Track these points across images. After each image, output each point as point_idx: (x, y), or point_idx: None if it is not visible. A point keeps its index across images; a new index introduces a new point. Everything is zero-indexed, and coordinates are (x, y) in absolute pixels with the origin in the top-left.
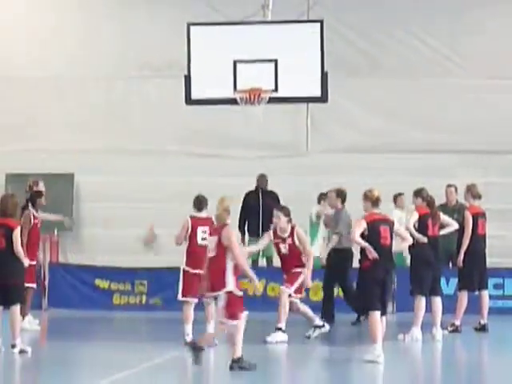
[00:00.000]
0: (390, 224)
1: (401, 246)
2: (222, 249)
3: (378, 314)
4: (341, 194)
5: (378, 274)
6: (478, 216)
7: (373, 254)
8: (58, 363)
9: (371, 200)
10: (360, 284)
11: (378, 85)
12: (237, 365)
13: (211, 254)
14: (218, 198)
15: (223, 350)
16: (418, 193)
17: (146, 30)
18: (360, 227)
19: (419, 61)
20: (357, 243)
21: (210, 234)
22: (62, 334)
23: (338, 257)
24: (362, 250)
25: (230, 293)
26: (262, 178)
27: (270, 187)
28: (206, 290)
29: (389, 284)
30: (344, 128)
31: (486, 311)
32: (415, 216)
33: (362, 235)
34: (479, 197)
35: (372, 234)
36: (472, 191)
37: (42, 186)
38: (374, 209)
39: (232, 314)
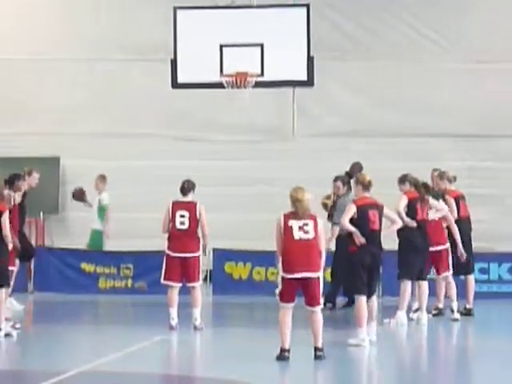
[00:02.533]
0: (380, 208)
1: (390, 228)
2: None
3: (364, 298)
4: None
5: (365, 259)
6: (459, 198)
7: (360, 239)
8: (43, 347)
9: (362, 184)
10: (347, 268)
11: (364, 69)
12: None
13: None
14: (296, 189)
15: (209, 334)
16: (404, 178)
17: (133, 13)
18: (350, 212)
19: (406, 44)
20: (345, 229)
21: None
22: (48, 317)
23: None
24: (350, 235)
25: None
26: (355, 166)
27: (253, 172)
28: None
29: (377, 268)
30: (330, 112)
31: (471, 296)
32: (405, 200)
33: (352, 219)
34: (454, 179)
35: (361, 218)
36: (447, 176)
37: (35, 176)
38: (364, 193)
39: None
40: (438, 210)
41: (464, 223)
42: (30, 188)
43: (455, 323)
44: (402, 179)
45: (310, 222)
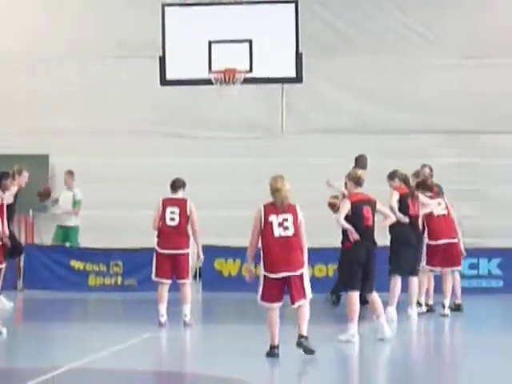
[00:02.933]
0: (373, 204)
1: (383, 223)
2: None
3: (356, 294)
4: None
5: (360, 255)
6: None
7: (354, 235)
8: (32, 344)
9: (354, 180)
10: (341, 264)
11: (352, 65)
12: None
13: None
14: (276, 178)
15: (199, 330)
16: (394, 174)
17: (121, 10)
18: (345, 209)
19: (394, 40)
20: (340, 225)
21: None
22: (37, 314)
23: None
24: (344, 231)
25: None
26: (361, 158)
27: (242, 168)
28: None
29: (372, 263)
30: (319, 109)
31: (459, 291)
32: (396, 195)
33: (346, 216)
34: (431, 176)
35: (355, 214)
36: (423, 174)
37: (25, 175)
38: (357, 189)
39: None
40: (426, 205)
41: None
42: (20, 187)
43: (445, 319)
44: (392, 175)
45: (290, 217)
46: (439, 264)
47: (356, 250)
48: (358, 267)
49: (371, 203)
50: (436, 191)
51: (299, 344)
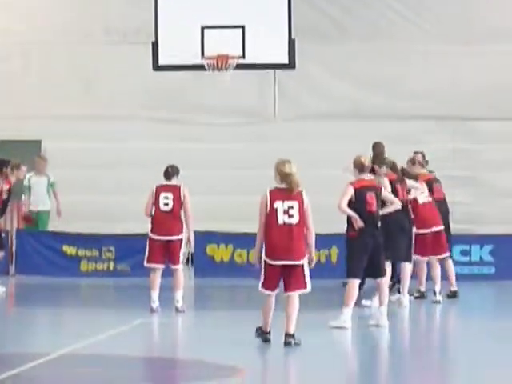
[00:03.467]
0: (377, 190)
1: (388, 209)
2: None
3: (357, 282)
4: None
5: (366, 242)
6: (432, 182)
7: (359, 223)
8: (24, 329)
9: (358, 166)
10: (347, 251)
11: (345, 51)
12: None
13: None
14: (284, 163)
15: (191, 316)
16: (382, 161)
17: None
18: (347, 194)
19: (386, 26)
20: (343, 212)
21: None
22: (29, 300)
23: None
24: (348, 219)
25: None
26: (378, 145)
27: (234, 154)
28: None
29: (379, 248)
30: (311, 94)
31: (453, 278)
32: (387, 182)
33: (350, 201)
34: (426, 163)
35: (359, 200)
36: (418, 161)
37: (23, 169)
38: (361, 175)
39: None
40: (417, 189)
41: (439, 205)
42: (17, 181)
43: (438, 305)
44: (380, 162)
45: (295, 204)
46: (428, 253)
47: (362, 239)
48: (364, 255)
49: (376, 189)
50: (432, 178)
51: (287, 344)
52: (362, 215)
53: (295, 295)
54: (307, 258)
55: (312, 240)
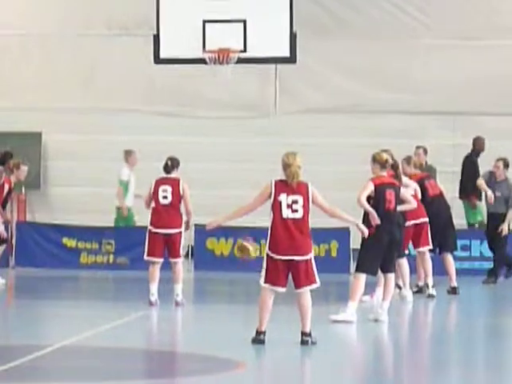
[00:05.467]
0: (396, 188)
1: (402, 207)
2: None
3: (364, 276)
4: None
5: (381, 239)
6: (424, 180)
7: (375, 219)
8: (25, 321)
9: (380, 163)
10: (362, 247)
11: (346, 45)
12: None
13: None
14: (288, 154)
15: (190, 310)
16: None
17: None
18: (367, 190)
19: (387, 21)
20: (361, 206)
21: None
22: (29, 292)
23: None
24: (365, 216)
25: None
26: (478, 140)
27: (235, 148)
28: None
29: (395, 244)
30: (312, 89)
31: (453, 274)
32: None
33: (368, 198)
34: (421, 166)
35: (378, 197)
36: (414, 162)
37: (24, 169)
38: (382, 172)
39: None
40: (408, 186)
41: (437, 202)
42: (17, 181)
43: (436, 300)
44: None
45: (300, 199)
46: (413, 245)
47: (378, 236)
48: (378, 252)
49: (395, 187)
50: (423, 176)
51: (304, 342)
52: (379, 212)
53: (306, 292)
54: (359, 229)
55: (345, 216)
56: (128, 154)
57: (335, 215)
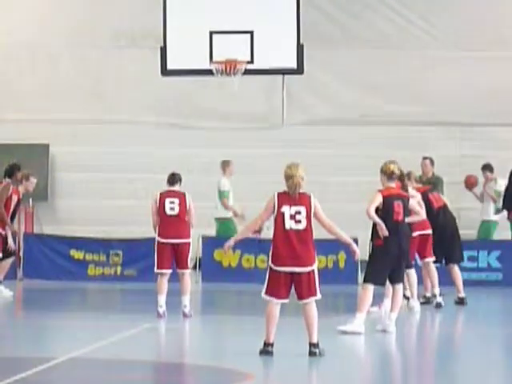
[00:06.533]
0: (405, 199)
1: (411, 218)
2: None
3: (372, 287)
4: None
5: (392, 251)
6: (426, 193)
7: (384, 231)
8: (32, 333)
9: (386, 174)
10: (371, 258)
11: (353, 57)
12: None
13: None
14: (290, 165)
15: (198, 321)
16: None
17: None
18: (376, 202)
19: (395, 33)
20: (370, 218)
21: None
22: (37, 304)
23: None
24: (374, 226)
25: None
26: None
27: (242, 159)
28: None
29: (404, 256)
30: (320, 100)
31: (461, 285)
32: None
33: (377, 209)
34: (422, 181)
35: (386, 209)
36: (414, 176)
37: (33, 181)
38: (389, 183)
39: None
40: (414, 197)
41: (442, 213)
42: (26, 192)
43: (445, 311)
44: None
45: (303, 210)
46: (418, 256)
47: (387, 247)
48: (387, 264)
49: (403, 198)
50: (426, 189)
51: (312, 354)
52: (387, 223)
53: (311, 302)
54: (351, 250)
55: (340, 234)
56: (226, 164)
57: (332, 231)
